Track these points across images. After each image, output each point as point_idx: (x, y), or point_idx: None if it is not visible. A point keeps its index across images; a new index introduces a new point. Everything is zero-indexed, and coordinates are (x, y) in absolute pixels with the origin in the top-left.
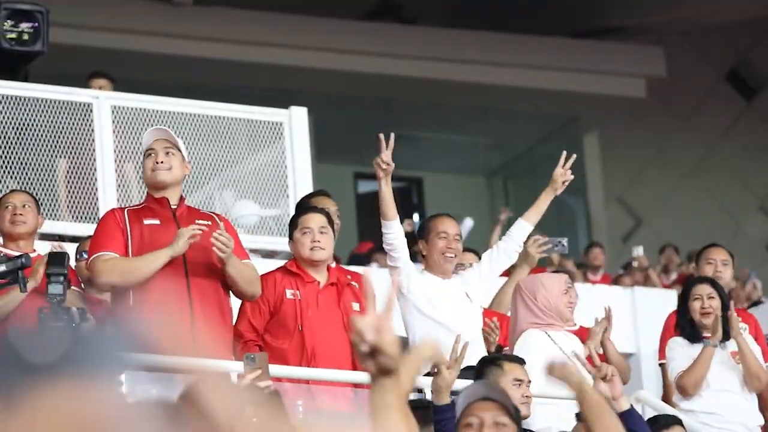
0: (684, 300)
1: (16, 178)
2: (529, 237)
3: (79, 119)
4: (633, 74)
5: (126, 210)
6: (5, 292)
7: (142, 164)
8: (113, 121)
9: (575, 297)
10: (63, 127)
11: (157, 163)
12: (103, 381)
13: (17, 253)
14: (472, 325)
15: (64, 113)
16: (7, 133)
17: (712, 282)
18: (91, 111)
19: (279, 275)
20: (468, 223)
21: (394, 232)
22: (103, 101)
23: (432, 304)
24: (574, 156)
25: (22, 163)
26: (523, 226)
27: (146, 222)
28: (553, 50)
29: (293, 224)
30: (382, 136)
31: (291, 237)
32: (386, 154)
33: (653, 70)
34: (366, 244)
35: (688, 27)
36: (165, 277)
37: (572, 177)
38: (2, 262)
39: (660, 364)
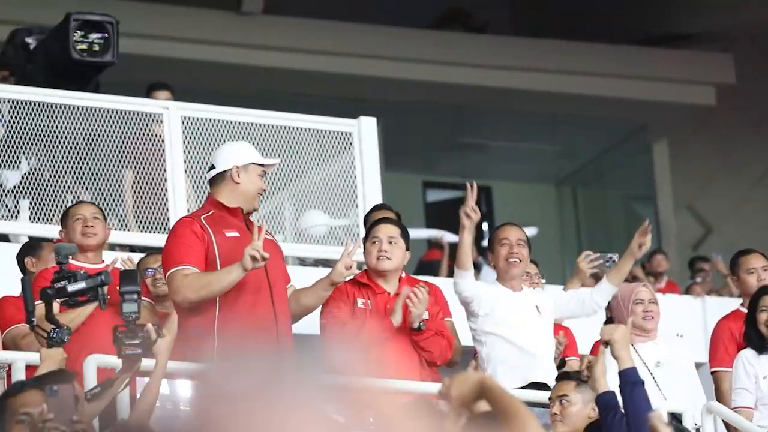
0: (752, 311)
1: (88, 188)
2: (581, 253)
3: (143, 129)
4: (702, 81)
5: (202, 218)
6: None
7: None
8: (183, 132)
9: (651, 305)
10: (129, 138)
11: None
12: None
13: (89, 265)
14: (540, 340)
15: (134, 124)
16: (77, 143)
17: None
18: (158, 122)
19: (350, 286)
20: (530, 231)
21: (467, 283)
22: (173, 112)
23: (500, 320)
24: (648, 223)
25: (93, 174)
26: (605, 288)
27: (228, 234)
28: (622, 58)
29: (366, 234)
30: (469, 185)
31: (363, 246)
32: (473, 203)
33: (722, 77)
34: (435, 252)
35: (757, 33)
36: (250, 291)
37: (649, 244)
38: (82, 279)
39: (712, 372)
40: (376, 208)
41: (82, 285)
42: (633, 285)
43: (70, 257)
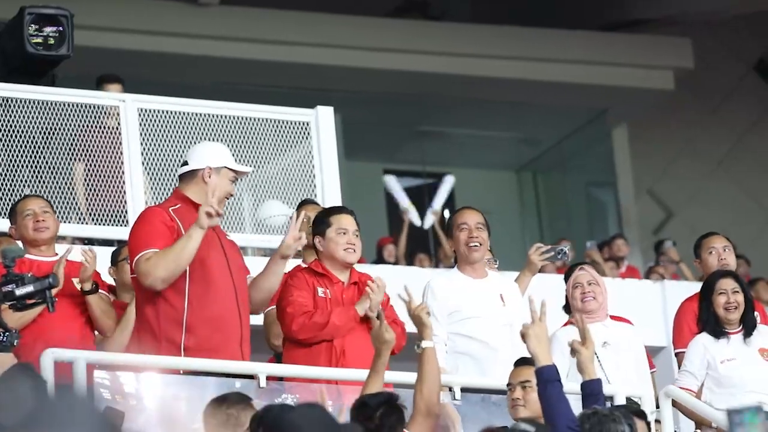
0: (707, 294)
1: (45, 183)
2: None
3: (94, 122)
4: (661, 66)
5: (170, 210)
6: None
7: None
8: (140, 124)
9: (591, 286)
10: (80, 130)
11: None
12: None
13: (42, 258)
14: (503, 333)
15: (85, 116)
16: (34, 137)
17: (736, 276)
18: (109, 114)
19: (308, 276)
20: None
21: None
22: (129, 104)
23: (461, 314)
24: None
25: (50, 168)
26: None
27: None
28: (581, 44)
29: (325, 222)
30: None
31: (321, 234)
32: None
33: (681, 62)
34: (385, 240)
35: (716, 18)
36: (216, 286)
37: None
38: (30, 282)
39: (677, 353)
40: (307, 202)
41: (29, 288)
42: (575, 270)
43: (17, 259)
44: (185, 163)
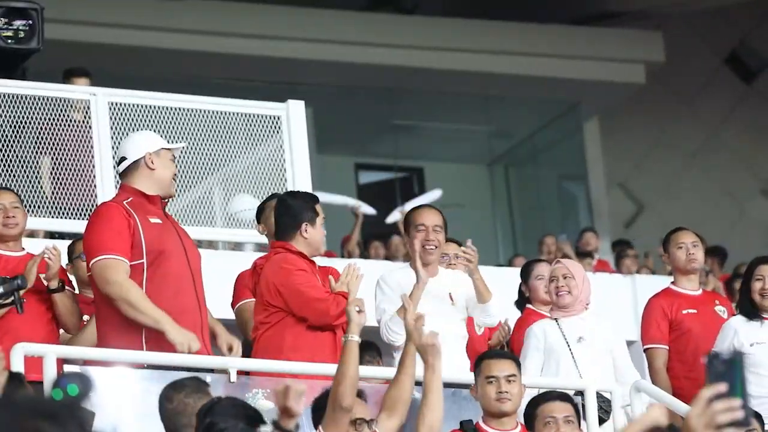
0: (746, 278)
1: (14, 176)
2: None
3: (61, 115)
4: (632, 59)
5: (125, 203)
6: None
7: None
8: (111, 117)
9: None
10: (46, 124)
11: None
12: None
13: (10, 253)
14: (450, 332)
15: (51, 109)
16: (4, 131)
17: None
18: (75, 107)
19: (306, 263)
20: (435, 194)
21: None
22: (100, 98)
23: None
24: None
25: (20, 162)
26: (482, 308)
27: (151, 220)
28: (553, 37)
29: (312, 210)
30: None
31: (308, 223)
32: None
33: (652, 55)
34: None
35: (687, 10)
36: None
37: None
38: None
39: (645, 350)
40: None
41: None
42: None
43: None
44: (122, 159)
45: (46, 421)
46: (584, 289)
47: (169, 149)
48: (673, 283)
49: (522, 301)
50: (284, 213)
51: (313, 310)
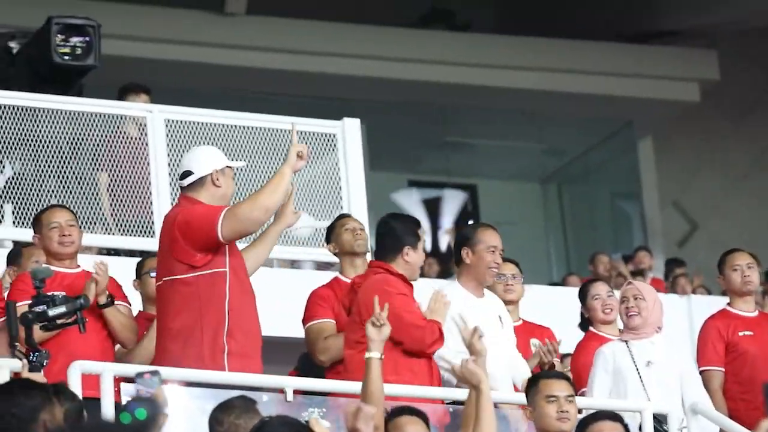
0: None
1: (72, 192)
2: None
3: (116, 131)
4: (687, 78)
5: None
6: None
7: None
8: (167, 134)
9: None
10: (102, 140)
11: None
12: None
13: (66, 270)
14: (500, 357)
15: (107, 126)
16: (61, 147)
17: None
18: (132, 123)
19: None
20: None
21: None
22: (156, 115)
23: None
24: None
25: (77, 178)
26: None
27: None
28: (607, 55)
29: (415, 234)
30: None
31: (410, 247)
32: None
33: (706, 73)
34: None
35: (741, 29)
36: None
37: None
38: (62, 303)
39: (701, 372)
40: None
41: (62, 309)
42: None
43: (46, 279)
44: (187, 173)
45: None
46: (654, 311)
47: (231, 167)
48: (728, 304)
49: (584, 323)
50: (387, 234)
51: (409, 336)
